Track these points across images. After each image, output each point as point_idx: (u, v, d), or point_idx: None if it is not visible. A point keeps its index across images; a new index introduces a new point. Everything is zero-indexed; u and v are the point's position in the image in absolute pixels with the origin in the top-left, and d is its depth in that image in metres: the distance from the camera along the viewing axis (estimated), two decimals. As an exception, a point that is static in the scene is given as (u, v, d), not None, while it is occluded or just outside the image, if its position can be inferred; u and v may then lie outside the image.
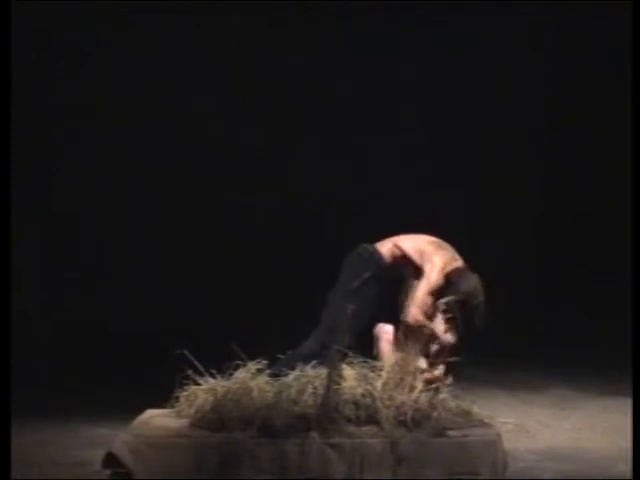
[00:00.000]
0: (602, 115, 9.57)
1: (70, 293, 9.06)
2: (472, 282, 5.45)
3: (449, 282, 5.43)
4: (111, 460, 5.04)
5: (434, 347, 5.48)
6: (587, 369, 7.60)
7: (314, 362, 5.29)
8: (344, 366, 5.23)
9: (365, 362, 5.30)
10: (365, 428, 5.07)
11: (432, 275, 5.43)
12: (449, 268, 5.46)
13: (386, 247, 5.58)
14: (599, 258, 9.44)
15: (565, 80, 9.80)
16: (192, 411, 5.24)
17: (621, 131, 8.37)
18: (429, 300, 5.44)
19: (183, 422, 5.23)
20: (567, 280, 9.43)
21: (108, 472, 5.07)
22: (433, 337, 5.45)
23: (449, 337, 5.44)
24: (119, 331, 8.43)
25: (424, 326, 5.40)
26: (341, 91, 9.52)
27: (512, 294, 9.25)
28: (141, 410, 5.48)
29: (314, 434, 5.02)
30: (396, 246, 5.55)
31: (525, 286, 9.50)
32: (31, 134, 8.79)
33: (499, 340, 8.20)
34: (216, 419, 5.13)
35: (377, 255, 5.55)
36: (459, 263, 5.52)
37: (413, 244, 5.55)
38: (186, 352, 5.30)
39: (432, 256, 5.47)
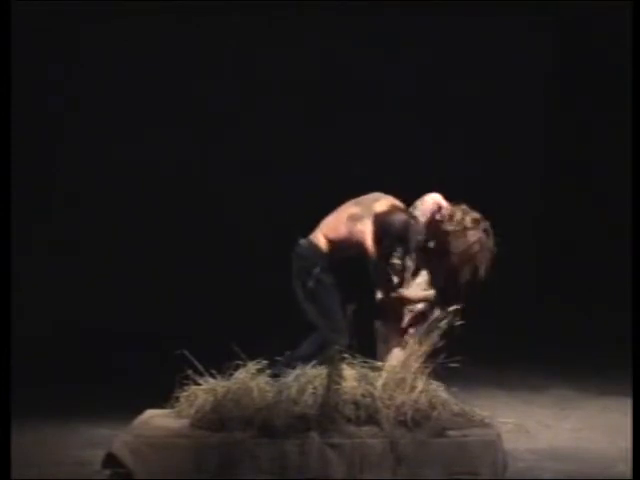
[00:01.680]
0: (602, 115, 9.56)
1: (70, 293, 9.05)
2: (397, 219, 5.45)
3: (380, 236, 5.43)
4: (111, 460, 5.05)
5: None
6: (587, 369, 7.60)
7: (314, 362, 5.29)
8: (344, 366, 5.24)
9: (365, 362, 5.30)
10: (365, 428, 5.08)
11: (371, 254, 5.41)
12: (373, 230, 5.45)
13: (318, 238, 5.56)
14: (599, 258, 9.43)
15: (565, 80, 9.78)
16: (192, 411, 5.25)
17: (621, 131, 8.36)
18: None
19: (183, 422, 5.23)
20: (567, 280, 9.41)
21: (108, 472, 5.08)
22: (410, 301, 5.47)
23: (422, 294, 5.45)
24: (119, 331, 8.42)
25: (404, 297, 5.44)
26: (341, 90, 9.51)
27: (512, 294, 9.26)
28: (141, 410, 5.48)
29: (314, 434, 5.02)
30: (323, 234, 5.57)
31: (525, 286, 9.49)
32: (31, 134, 8.79)
33: (499, 340, 8.21)
34: (216, 419, 5.13)
35: (314, 247, 5.53)
36: (379, 211, 5.51)
37: (334, 230, 5.52)
38: (186, 352, 5.31)
39: (356, 236, 5.45)
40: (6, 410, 4.75)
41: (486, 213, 9.48)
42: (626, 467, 5.15)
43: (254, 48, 9.45)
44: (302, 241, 5.58)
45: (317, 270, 5.48)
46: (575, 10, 9.43)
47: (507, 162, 9.70)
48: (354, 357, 5.30)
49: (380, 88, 9.66)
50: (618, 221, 8.69)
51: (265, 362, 5.37)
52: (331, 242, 5.54)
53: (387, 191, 8.82)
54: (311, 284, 5.48)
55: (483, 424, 5.21)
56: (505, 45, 9.64)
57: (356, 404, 5.13)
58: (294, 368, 5.28)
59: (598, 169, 9.64)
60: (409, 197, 9.22)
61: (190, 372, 5.32)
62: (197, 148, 9.50)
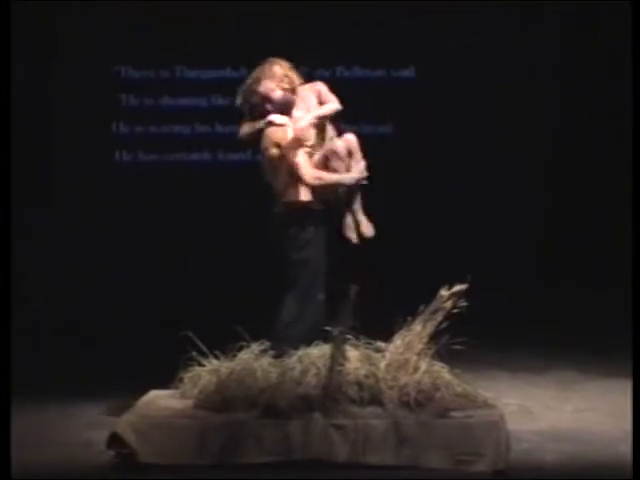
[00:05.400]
0: (603, 115, 9.50)
1: (75, 284, 9.03)
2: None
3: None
4: (115, 441, 5.07)
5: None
6: (590, 351, 7.58)
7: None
8: (348, 347, 5.25)
9: (369, 343, 5.31)
10: (368, 409, 5.10)
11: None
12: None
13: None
14: (603, 241, 9.39)
15: (567, 80, 9.71)
16: (196, 392, 5.27)
17: (622, 131, 8.30)
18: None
19: (187, 403, 5.26)
20: (570, 261, 9.39)
21: (112, 452, 5.10)
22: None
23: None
24: (124, 314, 8.41)
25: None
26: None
27: (514, 275, 9.25)
28: (145, 391, 5.50)
29: (317, 415, 5.04)
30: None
31: (526, 268, 9.48)
32: (31, 133, 8.80)
33: (501, 322, 8.21)
34: (220, 400, 5.15)
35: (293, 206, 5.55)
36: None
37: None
38: (190, 334, 5.32)
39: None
40: (6, 395, 4.72)
41: (490, 208, 9.52)
42: (628, 448, 5.15)
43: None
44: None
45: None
46: (575, 10, 9.39)
47: (510, 161, 9.64)
48: (357, 338, 5.32)
49: (379, 87, 9.63)
50: (619, 219, 8.61)
51: (268, 343, 5.39)
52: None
53: (389, 185, 8.83)
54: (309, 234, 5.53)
55: (486, 405, 5.23)
56: (507, 44, 9.57)
57: (359, 385, 5.15)
58: (297, 348, 5.28)
59: (599, 168, 9.57)
60: (410, 195, 9.30)
61: (194, 353, 5.34)
62: (198, 147, 9.48)
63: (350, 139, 5.63)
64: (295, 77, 5.65)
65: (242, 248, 9.11)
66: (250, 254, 9.04)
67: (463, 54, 9.57)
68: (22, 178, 8.80)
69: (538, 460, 5.23)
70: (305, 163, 5.53)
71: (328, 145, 5.62)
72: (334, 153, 5.57)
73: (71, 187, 9.29)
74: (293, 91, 5.61)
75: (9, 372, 4.74)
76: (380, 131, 9.71)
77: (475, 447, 5.01)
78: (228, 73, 9.36)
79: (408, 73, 9.71)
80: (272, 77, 5.59)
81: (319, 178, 5.52)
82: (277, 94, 5.58)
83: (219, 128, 9.48)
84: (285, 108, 5.60)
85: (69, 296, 8.75)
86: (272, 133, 5.55)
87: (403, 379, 5.15)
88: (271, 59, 5.66)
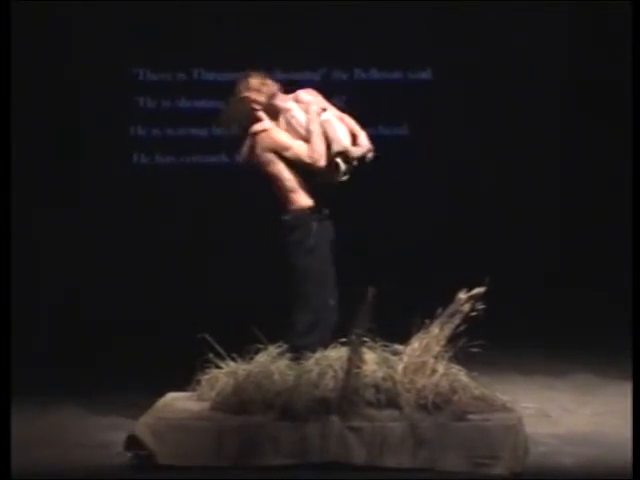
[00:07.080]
0: (603, 115, 9.46)
1: (88, 284, 9.05)
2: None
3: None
4: (133, 442, 5.08)
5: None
6: (608, 354, 7.55)
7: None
8: (365, 350, 5.24)
9: (386, 346, 5.31)
10: (386, 412, 5.09)
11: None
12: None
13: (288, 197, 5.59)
14: (619, 241, 9.34)
15: (567, 80, 9.68)
16: (213, 394, 5.28)
17: (622, 131, 8.25)
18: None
19: (204, 405, 5.27)
20: (587, 263, 9.36)
21: (130, 454, 5.11)
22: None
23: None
24: (139, 318, 8.42)
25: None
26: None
27: (530, 277, 9.23)
28: (163, 393, 5.51)
29: (334, 417, 5.04)
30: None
31: (544, 269, 9.45)
32: (31, 133, 8.82)
33: (517, 324, 8.19)
34: (237, 402, 5.16)
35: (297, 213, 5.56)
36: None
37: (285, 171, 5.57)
38: (207, 336, 5.33)
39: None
40: (6, 392, 4.73)
41: (501, 203, 9.50)
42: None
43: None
44: (284, 215, 5.60)
45: (315, 226, 5.51)
46: (580, 7, 9.36)
47: (515, 160, 9.60)
48: (375, 341, 5.32)
49: (385, 85, 9.62)
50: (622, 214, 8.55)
51: (286, 346, 5.39)
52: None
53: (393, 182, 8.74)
54: (312, 241, 5.49)
55: (504, 408, 5.21)
56: (511, 42, 9.55)
57: (377, 388, 5.14)
58: (315, 351, 5.28)
59: (602, 167, 9.52)
60: (414, 191, 9.28)
61: (211, 355, 5.34)
62: (215, 150, 9.50)
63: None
64: (271, 83, 5.68)
65: (259, 250, 9.12)
66: (267, 256, 9.04)
67: (479, 56, 9.56)
68: (36, 179, 8.88)
69: (556, 463, 5.21)
70: (298, 145, 5.54)
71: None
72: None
73: (88, 189, 9.31)
74: (272, 97, 5.64)
75: (9, 372, 4.75)
76: (396, 132, 9.70)
77: (493, 450, 5.00)
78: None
79: (425, 75, 9.71)
80: (249, 88, 5.66)
81: (314, 151, 5.50)
82: (262, 99, 5.63)
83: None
84: (271, 112, 5.64)
85: (85, 299, 8.78)
86: (261, 140, 5.58)
87: (420, 382, 5.14)
88: (246, 73, 5.73)
